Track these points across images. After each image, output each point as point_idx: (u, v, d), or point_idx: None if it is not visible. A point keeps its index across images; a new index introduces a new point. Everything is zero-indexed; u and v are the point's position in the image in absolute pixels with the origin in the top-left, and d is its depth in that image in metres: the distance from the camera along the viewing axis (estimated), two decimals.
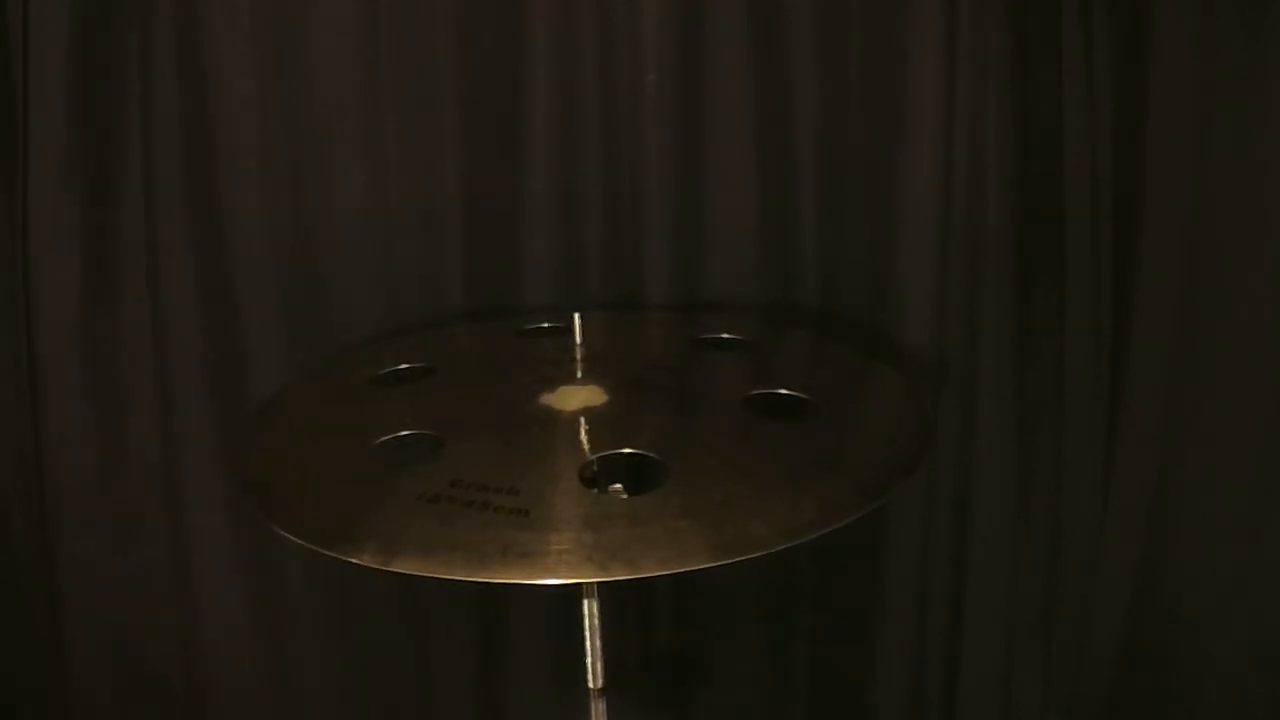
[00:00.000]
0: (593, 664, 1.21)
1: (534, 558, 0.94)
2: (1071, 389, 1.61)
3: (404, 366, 1.34)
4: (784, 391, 1.22)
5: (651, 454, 1.07)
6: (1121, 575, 1.64)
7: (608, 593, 1.19)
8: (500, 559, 0.93)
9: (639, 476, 1.08)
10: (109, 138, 1.50)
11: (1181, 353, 1.55)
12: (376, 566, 0.94)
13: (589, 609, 1.19)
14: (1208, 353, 1.53)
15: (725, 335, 1.44)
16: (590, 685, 1.21)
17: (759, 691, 1.71)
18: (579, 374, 1.24)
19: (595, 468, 1.08)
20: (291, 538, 0.99)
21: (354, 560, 0.95)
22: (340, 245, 1.56)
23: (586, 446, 1.11)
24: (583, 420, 1.16)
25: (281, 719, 1.67)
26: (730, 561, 0.93)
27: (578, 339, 1.26)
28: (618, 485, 1.09)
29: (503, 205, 1.56)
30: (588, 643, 1.20)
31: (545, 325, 1.45)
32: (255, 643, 1.65)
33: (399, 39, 1.50)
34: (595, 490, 1.06)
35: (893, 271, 1.58)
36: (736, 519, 0.98)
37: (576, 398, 1.20)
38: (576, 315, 1.27)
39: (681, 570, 0.92)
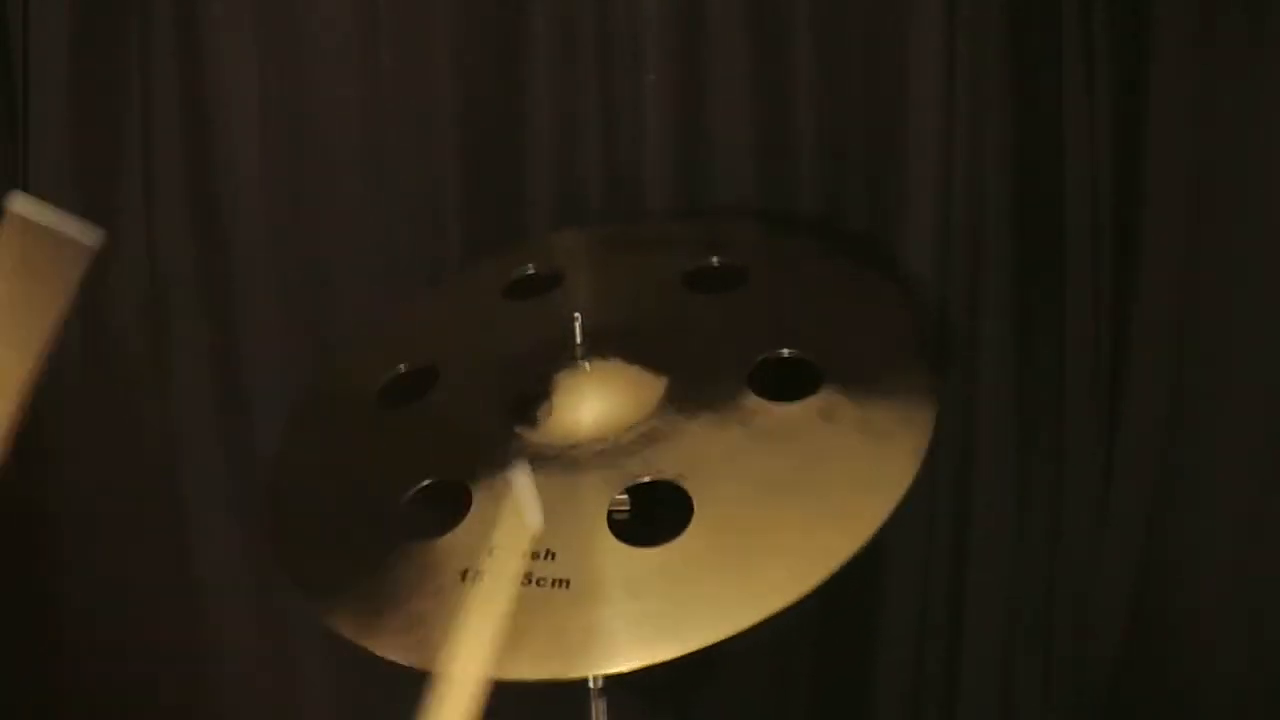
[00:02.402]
0: None
1: (586, 641, 0.94)
2: (1072, 389, 1.61)
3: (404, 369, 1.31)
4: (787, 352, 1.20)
5: (675, 481, 1.06)
6: (1121, 575, 1.64)
7: None
8: (556, 649, 0.94)
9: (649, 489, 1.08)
10: (109, 138, 1.50)
11: (1182, 352, 1.55)
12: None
13: None
14: (1208, 352, 1.53)
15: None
16: (590, 685, 1.21)
17: (759, 690, 1.71)
18: (584, 369, 1.23)
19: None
20: (359, 642, 0.98)
21: (420, 667, 0.92)
22: (341, 244, 1.56)
23: (607, 482, 1.09)
24: (598, 447, 1.14)
25: (283, 714, 1.67)
26: (770, 615, 0.94)
27: (578, 338, 1.25)
28: (623, 498, 1.08)
29: (502, 205, 1.56)
30: None
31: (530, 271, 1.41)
32: (256, 642, 1.65)
33: (399, 37, 1.50)
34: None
35: (895, 272, 1.58)
36: (769, 561, 0.98)
37: (587, 409, 1.19)
38: (577, 315, 1.26)
39: (728, 634, 0.93)
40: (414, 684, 1.73)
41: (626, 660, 0.93)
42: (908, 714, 1.71)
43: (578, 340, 1.24)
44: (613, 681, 1.20)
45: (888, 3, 1.51)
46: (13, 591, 1.60)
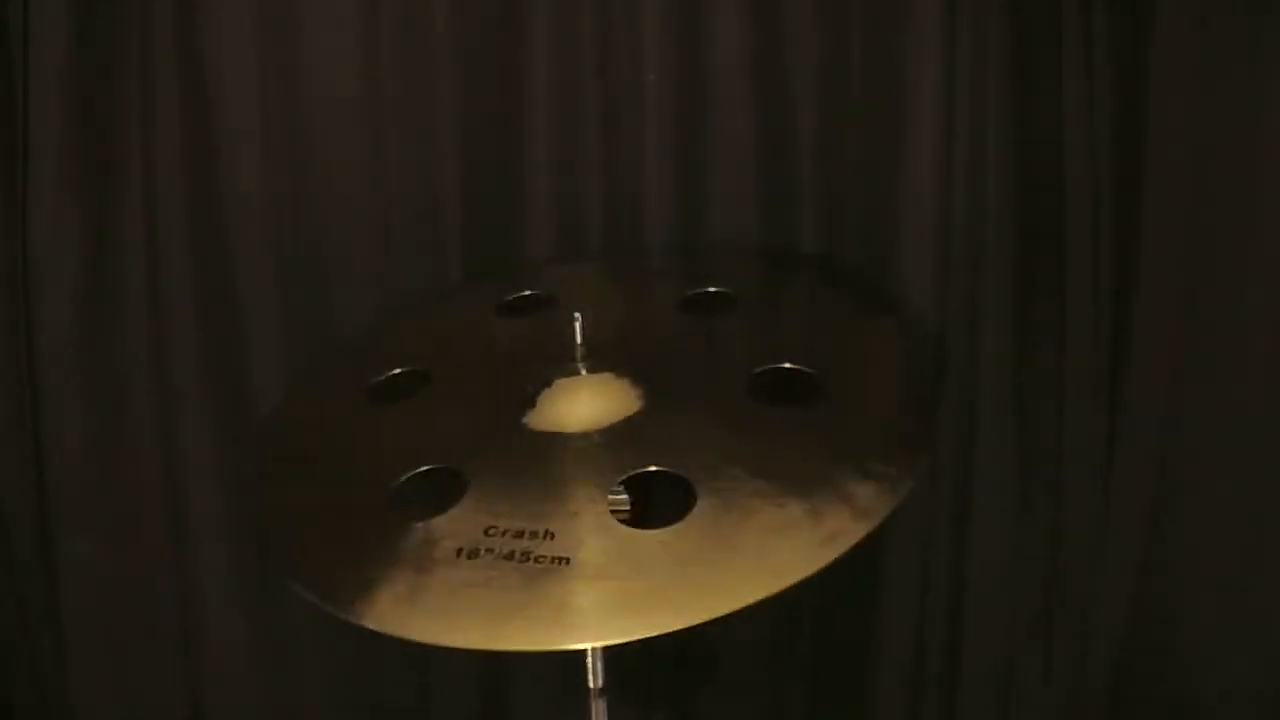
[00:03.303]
0: (593, 664, 1.20)
1: (589, 615, 0.94)
2: (1072, 388, 1.61)
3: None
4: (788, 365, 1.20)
5: (675, 470, 1.06)
6: (1122, 575, 1.64)
7: None
8: (557, 622, 0.93)
9: (644, 482, 1.08)
10: (109, 138, 1.50)
11: (1182, 352, 1.55)
12: (439, 643, 0.93)
13: None
14: (1208, 352, 1.53)
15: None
16: (590, 685, 1.21)
17: (759, 690, 1.71)
18: (581, 373, 1.24)
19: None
20: (350, 619, 0.97)
21: (414, 639, 0.93)
22: (341, 244, 1.56)
23: (609, 467, 1.09)
24: (597, 437, 1.14)
25: (280, 715, 1.67)
26: (776, 591, 0.94)
27: (578, 338, 1.25)
28: (618, 487, 1.07)
29: (502, 205, 1.56)
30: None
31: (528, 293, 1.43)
32: (255, 642, 1.65)
33: (399, 37, 1.50)
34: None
35: (893, 273, 1.58)
36: (772, 543, 0.98)
37: (585, 406, 1.19)
38: (576, 315, 1.26)
39: (733, 609, 0.93)
40: (413, 684, 1.74)
41: (628, 632, 0.92)
42: (908, 713, 1.71)
43: (578, 340, 1.24)
44: (613, 683, 1.21)
45: (888, 1, 1.52)
46: (13, 591, 1.61)
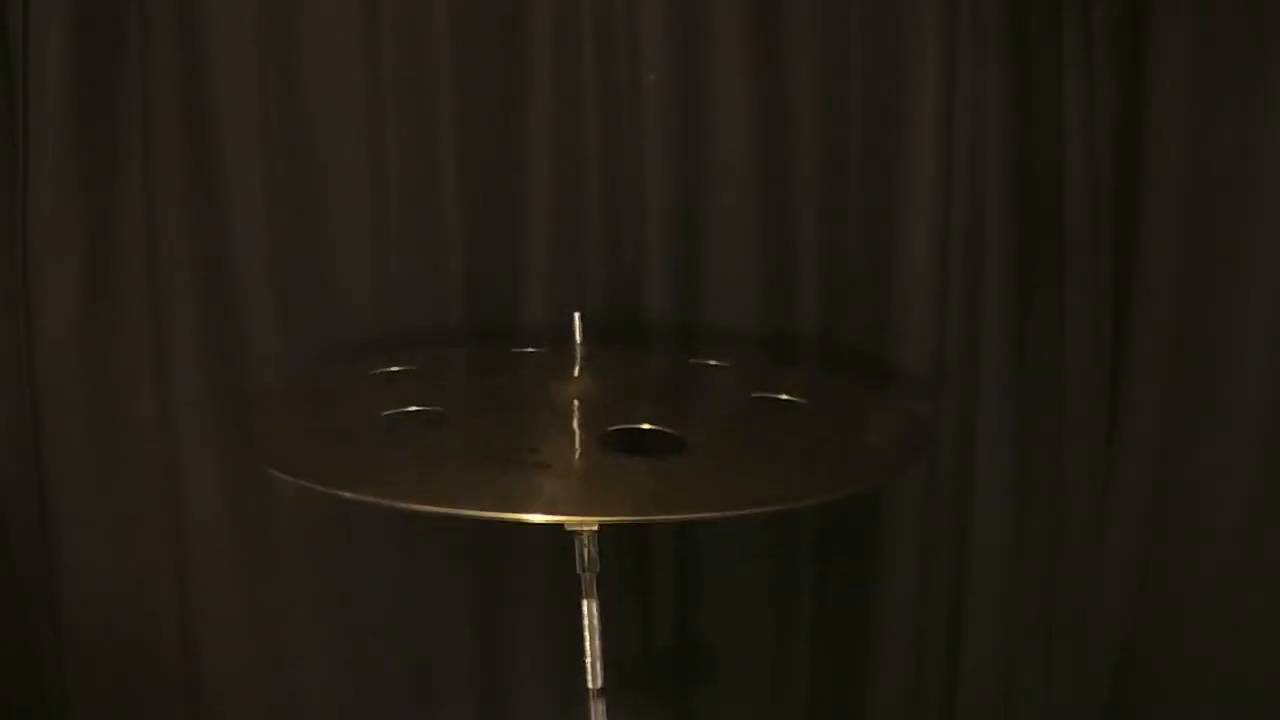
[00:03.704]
0: (593, 664, 1.20)
1: (568, 501, 0.98)
2: (1071, 390, 1.61)
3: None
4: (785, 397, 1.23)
5: (667, 429, 1.09)
6: (1122, 575, 1.64)
7: (608, 593, 1.19)
8: (531, 499, 0.96)
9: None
10: (109, 137, 1.51)
11: (1181, 353, 1.55)
12: (409, 506, 0.94)
13: (589, 609, 1.18)
14: (1208, 353, 1.53)
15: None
16: (590, 685, 1.21)
17: (759, 691, 1.71)
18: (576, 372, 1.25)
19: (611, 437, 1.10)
20: (335, 493, 0.98)
21: (397, 505, 0.95)
22: (341, 243, 1.56)
23: (601, 421, 1.12)
24: (594, 397, 1.19)
25: (281, 716, 1.67)
26: (756, 510, 0.95)
27: (577, 336, 1.26)
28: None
29: (502, 204, 1.56)
30: (588, 643, 1.20)
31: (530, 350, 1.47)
32: (256, 641, 1.65)
33: (400, 37, 1.50)
34: None
35: (894, 271, 1.58)
36: (759, 479, 1.01)
37: (581, 385, 1.22)
38: (577, 315, 1.26)
39: (718, 514, 0.95)
40: (415, 685, 1.74)
41: (614, 514, 0.96)
42: (908, 714, 1.71)
43: (577, 339, 1.25)
44: (613, 683, 1.21)
45: (889, 2, 1.52)
46: (13, 591, 1.61)
